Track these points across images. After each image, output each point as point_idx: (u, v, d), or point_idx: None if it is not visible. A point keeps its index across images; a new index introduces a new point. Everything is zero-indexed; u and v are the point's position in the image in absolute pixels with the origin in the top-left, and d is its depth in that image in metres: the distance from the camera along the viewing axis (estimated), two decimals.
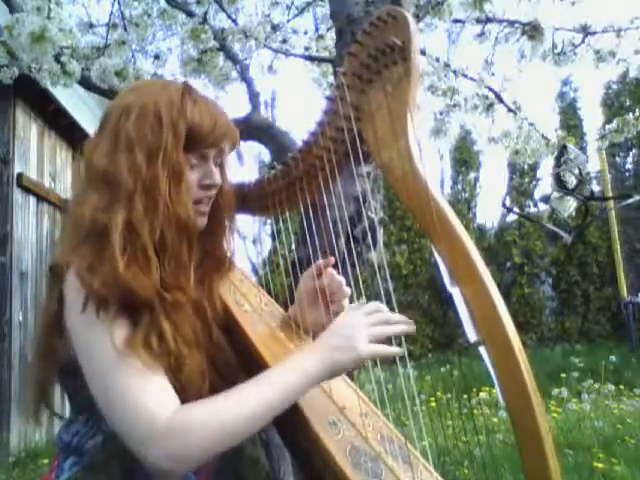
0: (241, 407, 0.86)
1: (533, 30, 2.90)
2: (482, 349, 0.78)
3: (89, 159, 0.98)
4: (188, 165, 1.00)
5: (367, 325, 0.92)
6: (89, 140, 1.02)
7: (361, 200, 1.85)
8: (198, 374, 0.92)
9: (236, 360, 1.06)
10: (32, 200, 5.43)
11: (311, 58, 3.33)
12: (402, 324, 0.94)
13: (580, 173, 3.01)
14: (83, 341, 0.89)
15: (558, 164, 2.91)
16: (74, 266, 0.90)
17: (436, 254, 0.83)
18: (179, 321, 0.93)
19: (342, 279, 1.12)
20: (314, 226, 1.20)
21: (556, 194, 3.53)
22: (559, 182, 2.86)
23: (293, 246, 1.76)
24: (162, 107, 0.97)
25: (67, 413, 1.11)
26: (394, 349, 0.94)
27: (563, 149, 3.02)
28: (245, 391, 0.88)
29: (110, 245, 0.89)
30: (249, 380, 0.89)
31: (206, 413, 0.84)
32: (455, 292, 0.80)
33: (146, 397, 0.83)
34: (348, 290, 1.12)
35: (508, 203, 10.35)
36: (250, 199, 1.14)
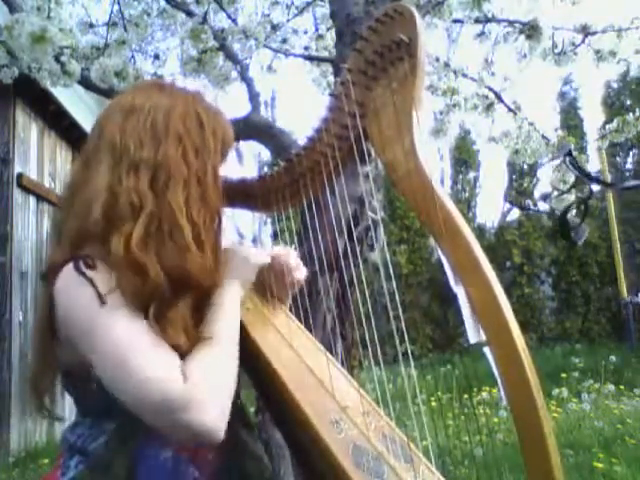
0: (222, 350, 0.93)
1: (531, 30, 2.90)
2: (486, 349, 0.78)
3: (121, 146, 0.97)
4: None
5: (248, 249, 1.10)
6: (109, 127, 1.01)
7: (363, 199, 1.85)
8: None
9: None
10: (32, 200, 5.44)
11: (311, 58, 3.33)
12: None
13: (573, 165, 3.01)
14: (91, 329, 0.87)
15: (569, 155, 2.92)
16: (71, 266, 0.89)
17: (440, 253, 0.83)
18: (198, 313, 0.96)
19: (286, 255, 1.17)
20: (317, 224, 1.19)
21: (556, 193, 3.53)
22: (575, 165, 2.86)
23: (295, 246, 1.76)
24: (202, 112, 1.03)
25: (66, 413, 1.11)
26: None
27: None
28: (215, 338, 0.93)
29: (175, 228, 0.92)
30: (206, 329, 0.95)
31: (208, 362, 0.89)
32: (460, 292, 0.80)
33: (167, 371, 0.85)
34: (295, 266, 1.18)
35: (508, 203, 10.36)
36: (252, 195, 1.14)
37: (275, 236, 1.33)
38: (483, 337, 0.78)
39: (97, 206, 0.94)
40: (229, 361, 0.93)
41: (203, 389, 0.84)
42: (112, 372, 0.86)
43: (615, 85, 11.15)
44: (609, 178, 9.18)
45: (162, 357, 0.86)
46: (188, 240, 0.92)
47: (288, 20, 3.24)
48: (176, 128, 0.99)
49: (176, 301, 0.92)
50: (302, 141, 1.09)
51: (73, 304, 0.89)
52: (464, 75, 3.32)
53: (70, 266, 0.90)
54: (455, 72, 3.29)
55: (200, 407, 0.82)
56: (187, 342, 0.90)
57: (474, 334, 0.79)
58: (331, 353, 1.18)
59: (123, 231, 0.91)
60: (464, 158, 11.90)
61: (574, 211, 3.41)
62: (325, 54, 3.29)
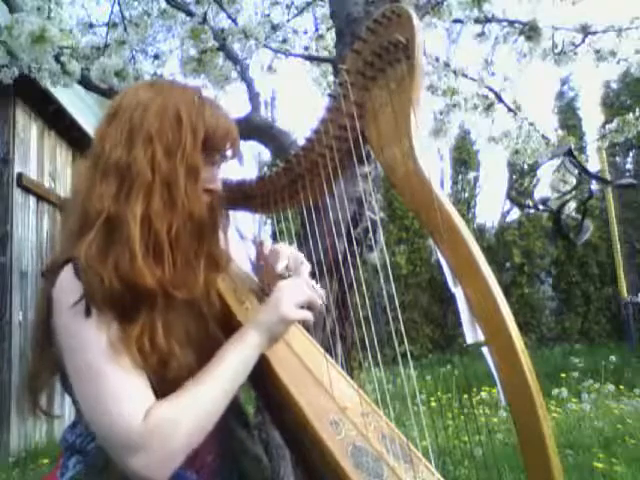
0: (206, 395, 0.89)
1: (531, 30, 2.90)
2: (485, 349, 0.78)
3: (99, 150, 0.97)
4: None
5: (291, 293, 1.01)
6: (97, 130, 1.00)
7: (362, 200, 1.85)
8: (185, 372, 0.92)
9: None
10: (32, 200, 5.43)
11: (311, 58, 3.34)
12: (319, 293, 1.06)
13: (573, 164, 3.01)
14: (71, 338, 0.88)
15: (569, 154, 2.92)
16: (71, 267, 0.90)
17: (439, 254, 0.83)
18: (172, 320, 0.94)
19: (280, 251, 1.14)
20: (316, 225, 1.19)
21: (556, 194, 3.53)
22: (575, 164, 2.86)
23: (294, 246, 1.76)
24: (182, 107, 0.98)
25: (66, 412, 1.11)
26: (309, 314, 1.02)
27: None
28: (205, 379, 0.90)
29: (126, 234, 0.89)
30: (205, 369, 0.92)
31: (177, 410, 0.86)
32: (458, 292, 0.80)
33: (125, 408, 0.84)
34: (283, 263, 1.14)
35: (508, 204, 10.35)
36: (251, 196, 1.14)
37: (274, 237, 1.33)
38: (480, 338, 0.78)
39: (76, 212, 0.95)
40: (203, 418, 0.88)
41: (154, 437, 0.83)
42: (80, 390, 0.87)
43: (614, 85, 11.16)
44: (609, 178, 9.18)
45: (131, 391, 0.85)
46: (136, 250, 0.88)
47: (288, 20, 3.24)
48: (148, 128, 0.95)
49: (142, 311, 0.90)
50: (301, 142, 1.08)
51: (64, 307, 0.89)
52: (464, 75, 3.33)
53: (70, 266, 0.90)
54: (455, 72, 3.30)
55: (142, 453, 0.82)
56: (153, 355, 0.88)
57: (471, 335, 0.79)
58: (331, 354, 1.18)
59: (86, 237, 0.90)
60: (464, 158, 11.90)
61: (574, 212, 3.41)
62: (325, 54, 3.29)
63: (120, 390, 0.84)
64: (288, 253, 1.14)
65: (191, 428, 0.86)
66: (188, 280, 0.95)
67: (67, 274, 0.90)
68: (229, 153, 1.07)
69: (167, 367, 0.90)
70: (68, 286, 0.89)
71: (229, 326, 1.04)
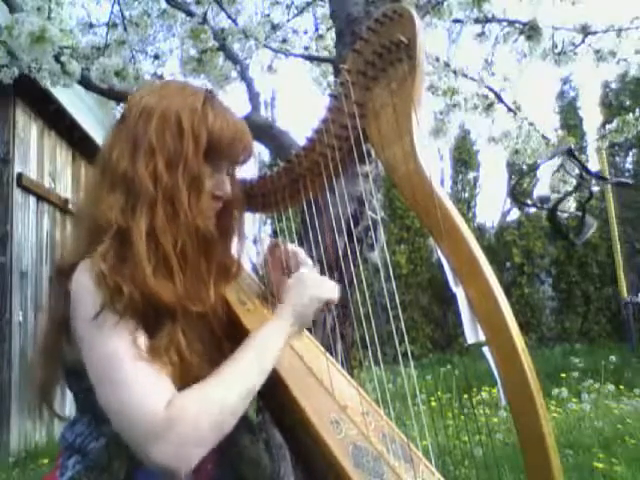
0: (233, 383, 0.87)
1: (531, 30, 2.90)
2: (486, 349, 0.78)
3: (107, 158, 0.96)
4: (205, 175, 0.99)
5: (315, 276, 1.06)
6: (106, 136, 1.00)
7: (363, 199, 1.85)
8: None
9: None
10: (32, 200, 5.43)
11: (311, 58, 3.33)
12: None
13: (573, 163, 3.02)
14: (92, 340, 0.87)
15: (570, 153, 2.92)
16: (88, 265, 0.89)
17: (440, 253, 0.83)
18: (191, 332, 0.93)
19: (296, 250, 1.16)
20: (317, 224, 1.20)
21: (556, 195, 3.53)
22: (577, 163, 2.86)
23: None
24: (183, 114, 0.96)
25: (67, 411, 1.11)
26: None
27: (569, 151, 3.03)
28: (232, 367, 0.89)
29: (135, 251, 0.89)
30: (232, 355, 0.91)
31: (201, 397, 0.84)
32: (459, 292, 0.80)
33: (148, 396, 0.82)
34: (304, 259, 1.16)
35: (508, 203, 10.36)
36: (252, 196, 1.14)
37: (275, 236, 1.33)
38: (481, 338, 0.78)
39: (85, 218, 0.96)
40: (230, 404, 0.86)
41: (177, 425, 0.80)
42: (100, 383, 0.86)
43: (613, 85, 11.17)
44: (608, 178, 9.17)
45: (153, 380, 0.84)
46: (144, 266, 0.88)
47: (288, 20, 3.24)
48: (150, 138, 0.94)
49: (165, 325, 0.89)
50: (302, 142, 1.09)
51: (84, 306, 0.88)
52: (464, 75, 3.33)
53: (86, 264, 0.90)
54: (455, 72, 3.30)
55: (164, 442, 0.79)
56: (181, 367, 0.88)
57: (472, 334, 0.79)
58: (331, 353, 1.18)
59: (99, 248, 0.89)
60: (464, 158, 11.92)
61: (574, 211, 3.40)
62: (325, 54, 3.29)
63: (142, 380, 0.83)
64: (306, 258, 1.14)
65: (216, 419, 0.84)
66: (201, 294, 0.94)
67: (83, 272, 0.89)
68: (239, 158, 1.05)
69: (189, 379, 0.88)
70: (86, 283, 0.88)
71: (232, 328, 1.04)
